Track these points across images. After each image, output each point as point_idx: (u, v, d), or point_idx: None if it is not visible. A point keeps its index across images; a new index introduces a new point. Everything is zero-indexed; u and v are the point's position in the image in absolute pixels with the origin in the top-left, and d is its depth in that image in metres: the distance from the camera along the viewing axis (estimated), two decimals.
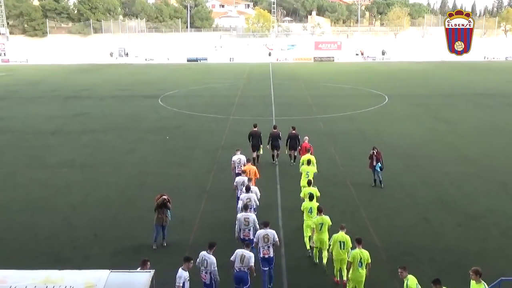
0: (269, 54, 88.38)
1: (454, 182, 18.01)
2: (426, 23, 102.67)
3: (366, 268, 10.07)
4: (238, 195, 13.93)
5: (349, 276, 10.09)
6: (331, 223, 11.77)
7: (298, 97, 40.43)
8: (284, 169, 19.80)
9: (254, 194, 13.02)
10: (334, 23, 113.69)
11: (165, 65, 77.57)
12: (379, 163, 17.20)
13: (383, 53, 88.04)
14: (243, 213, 11.73)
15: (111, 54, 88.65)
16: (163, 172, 19.78)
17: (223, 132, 26.74)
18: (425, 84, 48.23)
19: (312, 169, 15.79)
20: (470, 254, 12.40)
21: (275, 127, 20.63)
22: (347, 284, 10.25)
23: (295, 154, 19.91)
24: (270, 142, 20.08)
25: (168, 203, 12.83)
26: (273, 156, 20.19)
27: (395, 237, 13.44)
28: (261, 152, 19.94)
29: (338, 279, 10.95)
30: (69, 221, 14.74)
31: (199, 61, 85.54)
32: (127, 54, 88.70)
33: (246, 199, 12.67)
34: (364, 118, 30.76)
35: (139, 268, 8.91)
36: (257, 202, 13.01)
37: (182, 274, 9.12)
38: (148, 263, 9.12)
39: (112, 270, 8.02)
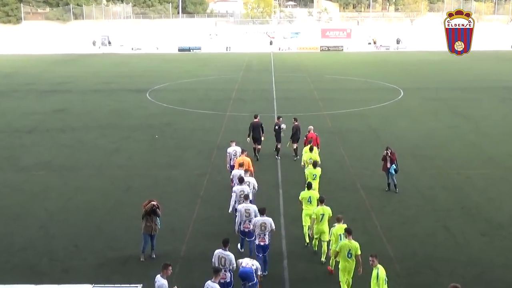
0: (270, 43, 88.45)
1: (477, 187, 18.06)
2: (446, 8, 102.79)
3: (355, 259, 10.91)
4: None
5: (339, 266, 11.12)
6: (331, 214, 12.74)
7: (302, 91, 40.45)
8: (287, 168, 19.88)
9: (247, 186, 13.96)
10: (343, 8, 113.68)
11: (154, 55, 77.60)
12: (393, 165, 17.24)
13: (398, 42, 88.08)
14: (244, 204, 12.60)
15: (94, 43, 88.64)
16: (151, 175, 19.78)
17: (219, 130, 26.78)
18: (445, 77, 48.26)
19: (315, 156, 17.04)
20: (495, 267, 12.42)
21: (278, 118, 21.80)
22: (340, 277, 11.13)
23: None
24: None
25: (158, 209, 12.86)
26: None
27: (411, 247, 13.47)
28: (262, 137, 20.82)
29: (333, 268, 12.04)
30: (47, 230, 14.75)
31: (192, 50, 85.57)
32: (110, 42, 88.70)
33: (240, 191, 13.61)
34: (376, 115, 30.78)
35: (160, 275, 9.31)
36: (255, 190, 14.40)
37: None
38: (170, 268, 9.41)
39: (95, 285, 8.05)
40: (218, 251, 10.45)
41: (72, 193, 17.74)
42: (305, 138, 20.23)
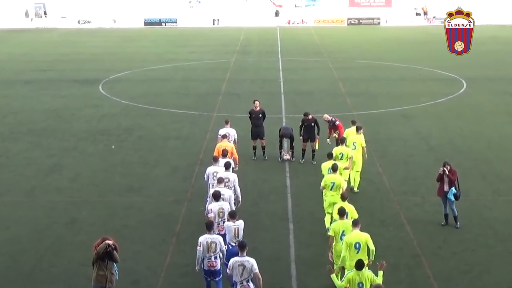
0: (276, 14, 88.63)
1: None
2: None
3: None
4: (208, 191, 16.91)
5: (333, 251, 13.68)
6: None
7: (322, 82, 40.54)
8: (298, 185, 20.02)
9: (227, 189, 16.18)
10: None
11: (110, 32, 77.77)
12: (453, 188, 17.24)
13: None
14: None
15: (26, 14, 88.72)
16: (106, 202, 19.79)
17: (203, 138, 26.80)
18: None
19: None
20: None
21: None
22: (334, 262, 13.66)
23: (315, 147, 23.03)
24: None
25: (114, 251, 12.83)
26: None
27: None
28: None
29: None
30: None
31: (164, 24, 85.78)
32: (46, 13, 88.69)
33: (219, 207, 15.16)
34: (428, 116, 30.88)
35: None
36: (239, 198, 16.76)
37: None
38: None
39: None
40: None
41: None
42: (336, 136, 22.35)
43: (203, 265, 13.42)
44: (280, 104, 33.25)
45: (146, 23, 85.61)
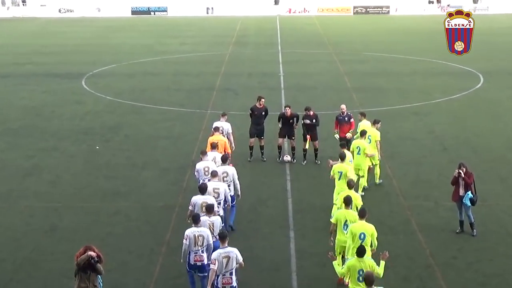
0: (276, 2, 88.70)
1: None
2: None
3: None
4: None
5: (335, 240, 14.68)
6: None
7: (327, 76, 40.56)
8: (300, 189, 20.00)
9: (222, 183, 16.82)
10: None
11: (94, 21, 77.68)
12: (469, 193, 17.20)
13: (475, 1, 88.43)
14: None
15: (3, 2, 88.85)
16: (89, 207, 19.77)
17: (195, 138, 26.76)
18: None
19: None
20: None
21: (288, 106, 23.91)
22: (335, 250, 14.58)
23: (317, 146, 23.37)
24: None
25: (98, 263, 12.78)
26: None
27: None
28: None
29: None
30: None
31: (153, 13, 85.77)
32: (25, 1, 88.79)
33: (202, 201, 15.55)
34: (442, 113, 30.94)
35: None
36: (228, 197, 16.82)
37: None
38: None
39: None
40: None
41: None
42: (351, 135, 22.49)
43: (189, 259, 13.90)
44: (280, 100, 33.20)
45: (133, 12, 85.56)
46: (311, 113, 23.16)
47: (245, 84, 38.04)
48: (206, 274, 13.61)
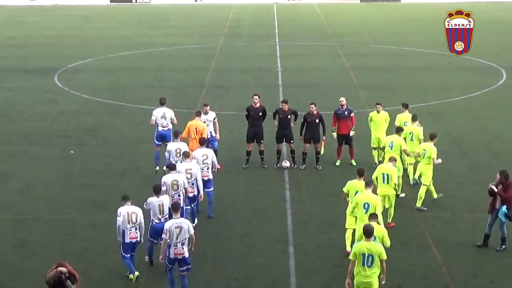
0: None
1: None
2: None
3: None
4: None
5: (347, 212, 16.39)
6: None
7: (330, 71, 40.53)
8: (300, 199, 20.00)
9: (194, 163, 18.90)
10: None
11: (68, 10, 77.54)
12: (504, 207, 17.00)
13: None
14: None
15: None
16: (63, 219, 19.73)
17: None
18: None
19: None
20: None
21: (284, 101, 24.25)
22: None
23: (319, 149, 23.52)
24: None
25: (68, 281, 12.73)
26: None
27: None
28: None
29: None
30: None
31: (134, 1, 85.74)
32: None
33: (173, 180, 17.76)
34: (459, 113, 30.97)
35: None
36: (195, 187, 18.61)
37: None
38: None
39: None
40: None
41: None
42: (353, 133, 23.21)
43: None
44: (277, 99, 33.04)
45: (112, 0, 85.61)
46: (315, 112, 23.25)
47: (238, 81, 37.99)
48: (188, 269, 15.08)
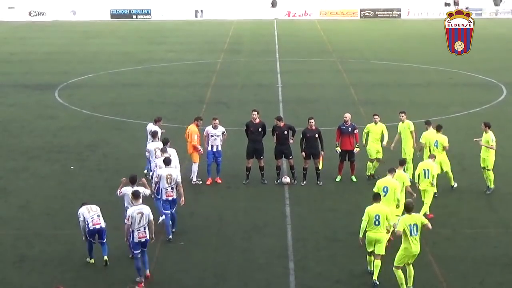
0: (273, 4, 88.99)
1: None
2: None
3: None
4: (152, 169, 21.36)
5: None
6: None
7: (330, 87, 40.68)
8: (300, 215, 20.02)
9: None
10: None
11: (69, 25, 77.82)
12: None
13: (496, 3, 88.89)
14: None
15: None
16: (64, 235, 19.77)
17: (182, 157, 26.46)
18: None
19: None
20: None
21: (278, 118, 24.42)
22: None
23: (319, 164, 23.61)
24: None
25: None
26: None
27: None
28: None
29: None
30: None
31: (135, 16, 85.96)
32: None
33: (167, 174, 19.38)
34: (459, 129, 31.09)
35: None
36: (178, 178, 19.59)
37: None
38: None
39: None
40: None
41: None
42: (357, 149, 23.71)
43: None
44: (277, 115, 33.24)
45: (113, 15, 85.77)
46: (314, 127, 23.37)
47: (238, 97, 38.14)
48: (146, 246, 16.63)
